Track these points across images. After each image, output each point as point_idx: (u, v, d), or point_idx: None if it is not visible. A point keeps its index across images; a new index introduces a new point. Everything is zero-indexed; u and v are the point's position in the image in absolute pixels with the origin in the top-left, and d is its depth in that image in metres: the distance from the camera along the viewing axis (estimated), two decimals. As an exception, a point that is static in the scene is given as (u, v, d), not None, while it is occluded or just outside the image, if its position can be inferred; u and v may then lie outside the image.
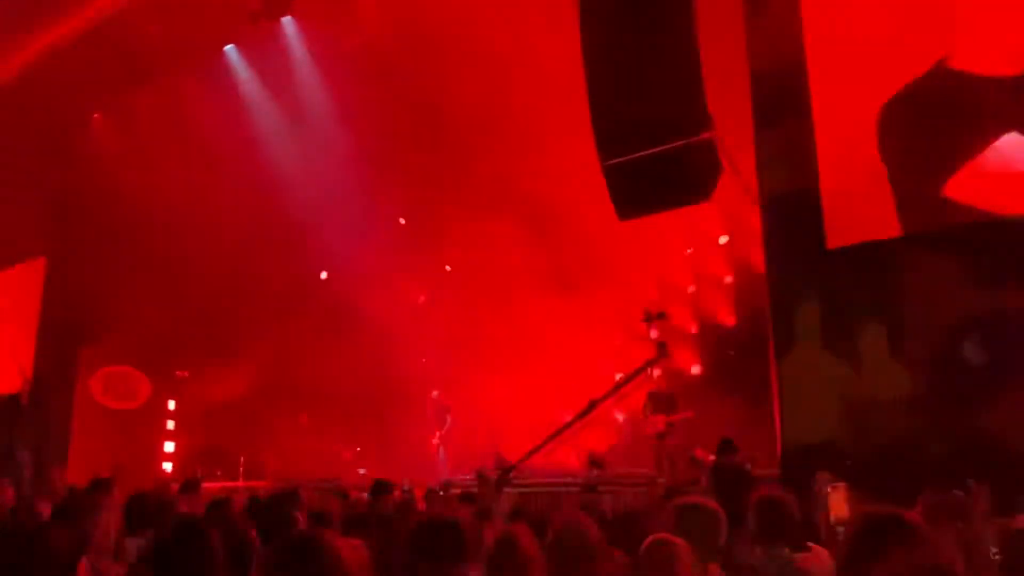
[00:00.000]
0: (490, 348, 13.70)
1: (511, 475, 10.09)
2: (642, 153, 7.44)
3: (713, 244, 12.53)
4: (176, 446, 16.24)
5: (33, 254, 15.89)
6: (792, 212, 7.84)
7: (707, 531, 3.47)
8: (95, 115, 15.35)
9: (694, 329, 12.68)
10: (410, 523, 4.49)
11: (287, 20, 13.49)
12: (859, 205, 7.41)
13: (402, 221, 15.61)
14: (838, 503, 5.91)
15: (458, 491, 8.66)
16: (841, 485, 6.06)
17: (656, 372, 11.02)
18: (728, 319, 12.34)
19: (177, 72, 13.71)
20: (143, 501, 4.79)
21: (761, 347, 8.30)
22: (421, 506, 7.58)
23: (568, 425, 10.79)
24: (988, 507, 4.12)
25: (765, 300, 8.13)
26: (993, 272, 6.72)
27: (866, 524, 2.28)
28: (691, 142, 7.32)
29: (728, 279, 12.43)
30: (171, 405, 16.38)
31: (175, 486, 9.06)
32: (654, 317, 11.30)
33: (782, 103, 7.96)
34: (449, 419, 13.28)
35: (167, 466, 15.95)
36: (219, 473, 14.37)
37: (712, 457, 8.28)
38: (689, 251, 12.86)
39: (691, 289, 12.64)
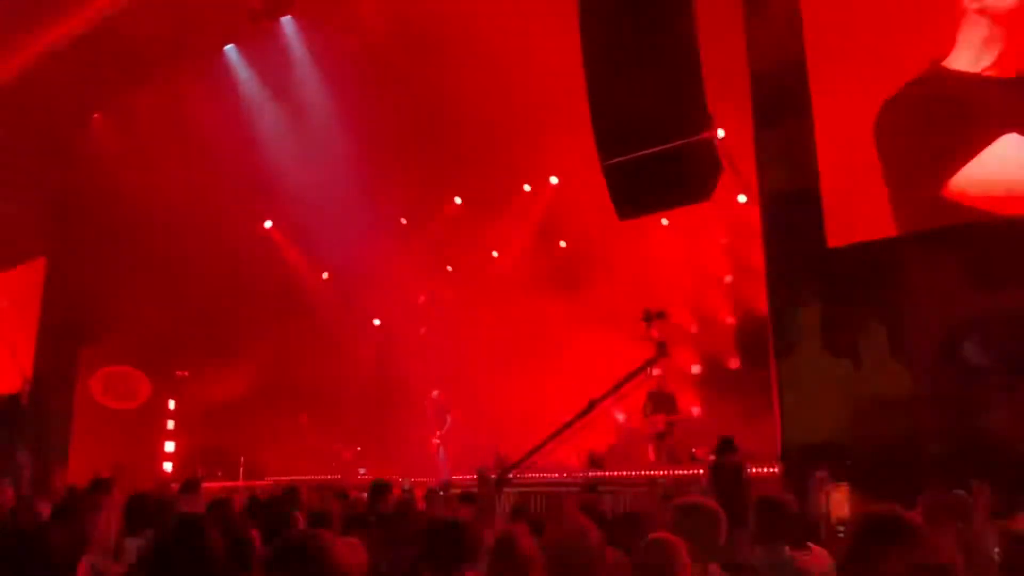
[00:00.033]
0: (490, 348, 13.71)
1: (511, 475, 10.09)
2: (642, 153, 7.43)
3: (713, 244, 12.53)
4: (176, 446, 16.25)
5: (33, 254, 15.89)
6: (792, 211, 7.85)
7: (707, 531, 3.47)
8: (95, 115, 15.35)
9: (694, 328, 12.69)
10: (413, 524, 4.50)
11: (287, 20, 13.48)
12: (859, 204, 7.42)
13: (403, 221, 15.62)
14: (839, 503, 5.92)
15: (458, 491, 8.66)
16: (843, 485, 6.07)
17: (656, 372, 11.01)
18: (728, 318, 12.36)
19: (177, 72, 13.70)
20: (143, 501, 4.79)
21: (761, 346, 8.31)
22: (421, 506, 7.59)
23: (568, 425, 10.78)
24: (989, 507, 4.12)
25: (765, 300, 8.13)
26: (993, 272, 6.71)
27: (866, 524, 2.28)
28: (691, 142, 7.32)
29: (728, 278, 12.43)
30: (171, 405, 16.39)
31: (175, 486, 9.07)
32: (654, 316, 11.30)
33: (782, 103, 7.97)
34: (449, 419, 13.28)
35: (167, 466, 15.96)
36: (219, 473, 14.38)
37: (712, 456, 8.29)
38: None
39: (691, 288, 12.64)
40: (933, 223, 7.16)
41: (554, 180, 14.37)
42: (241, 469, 14.34)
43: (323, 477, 12.67)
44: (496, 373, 12.88)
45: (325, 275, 16.27)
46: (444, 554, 2.97)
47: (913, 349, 7.00)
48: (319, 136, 13.66)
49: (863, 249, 7.38)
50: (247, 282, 14.61)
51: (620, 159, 7.54)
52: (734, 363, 12.25)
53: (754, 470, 8.19)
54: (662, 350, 11.04)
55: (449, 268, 15.86)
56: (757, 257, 8.19)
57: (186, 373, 16.11)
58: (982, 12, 7.09)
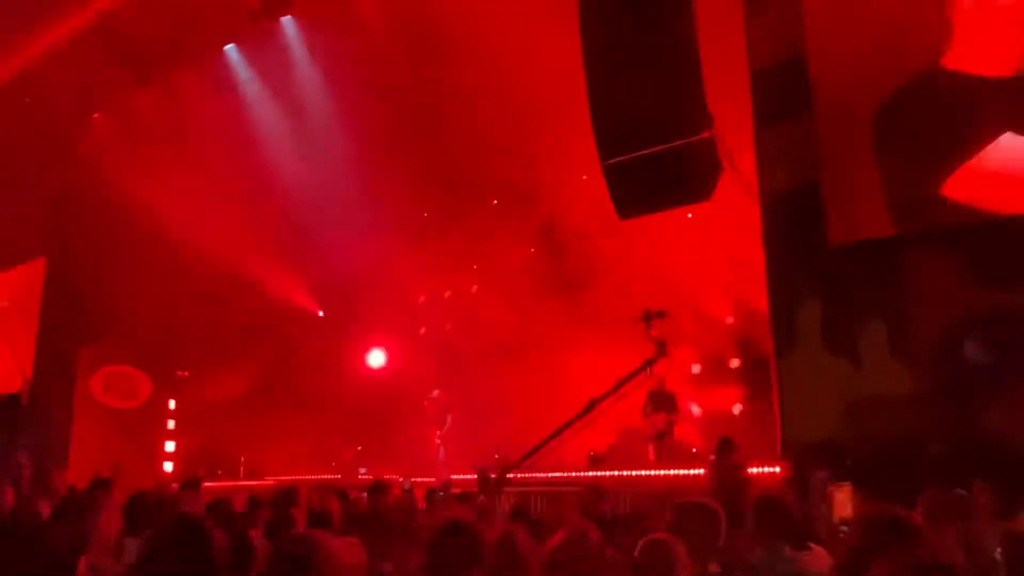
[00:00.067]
0: (490, 348, 13.71)
1: (511, 475, 10.08)
2: (642, 152, 7.43)
3: (713, 244, 12.52)
4: (177, 446, 16.25)
5: (33, 254, 15.89)
6: (792, 211, 7.83)
7: (707, 531, 3.47)
8: (95, 115, 15.34)
9: (694, 328, 12.67)
10: (413, 524, 4.49)
11: (287, 20, 13.48)
12: (859, 204, 7.41)
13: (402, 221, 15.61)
14: (842, 503, 5.91)
15: (458, 491, 8.66)
16: (846, 485, 6.06)
17: (656, 371, 11.00)
18: (728, 318, 12.35)
19: (177, 72, 13.70)
20: (143, 501, 4.79)
21: (761, 346, 8.31)
22: (421, 506, 7.59)
23: (568, 425, 10.77)
24: (991, 507, 4.11)
25: (765, 299, 8.13)
26: (995, 271, 6.71)
27: (866, 525, 2.28)
28: (691, 141, 7.32)
29: (728, 278, 12.41)
30: (172, 405, 16.39)
31: (175, 486, 9.07)
32: (653, 316, 11.29)
33: (783, 102, 7.96)
34: (449, 419, 13.28)
35: (168, 466, 15.96)
36: (220, 473, 14.38)
37: (712, 456, 8.28)
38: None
39: (691, 288, 12.63)
40: (933, 222, 7.15)
41: (554, 180, 14.35)
42: (241, 469, 14.35)
43: (323, 477, 12.66)
44: (496, 373, 12.88)
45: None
46: (450, 559, 2.97)
47: (913, 348, 7.00)
48: (319, 136, 13.67)
49: (863, 248, 7.37)
50: (247, 282, 14.61)
51: (620, 159, 7.54)
52: (734, 363, 12.25)
53: (754, 470, 8.19)
54: (662, 350, 11.03)
55: (449, 268, 15.84)
56: (757, 257, 8.18)
57: (186, 373, 16.12)
58: (981, 11, 7.09)
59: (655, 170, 7.42)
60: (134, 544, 4.22)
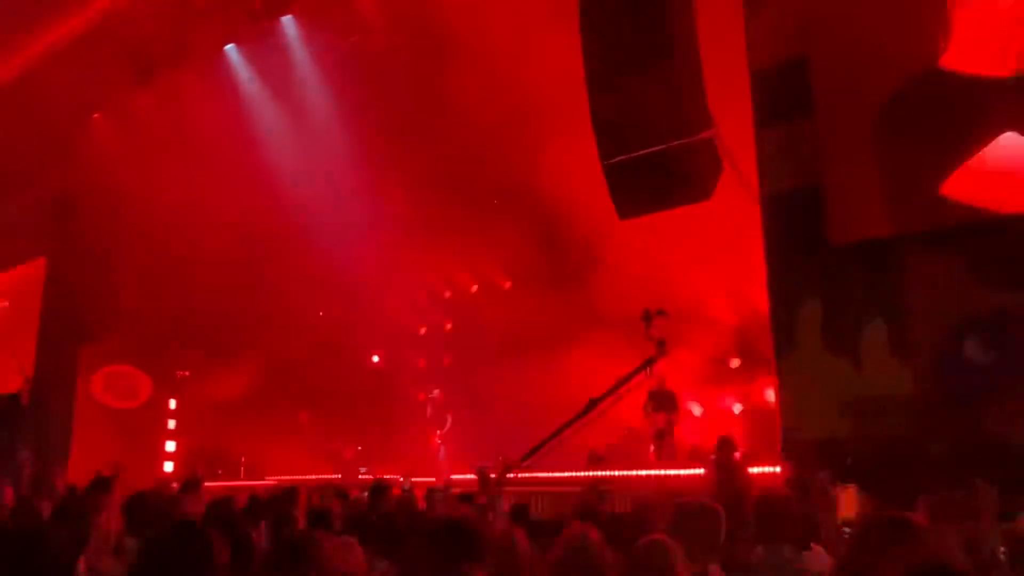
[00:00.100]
0: (490, 347, 13.71)
1: (511, 475, 10.08)
2: (642, 152, 7.43)
3: (713, 243, 12.52)
4: (177, 445, 16.26)
5: (33, 254, 15.89)
6: (793, 210, 7.83)
7: (707, 530, 3.47)
8: (95, 115, 15.35)
9: (694, 328, 12.67)
10: (421, 524, 4.49)
11: (287, 19, 13.48)
12: (860, 203, 7.41)
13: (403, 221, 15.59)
14: (847, 504, 5.91)
15: (458, 491, 8.66)
16: (851, 486, 6.06)
17: (656, 370, 11.00)
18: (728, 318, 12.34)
19: (177, 72, 13.70)
20: (143, 501, 4.79)
21: (762, 345, 8.30)
22: (421, 506, 7.59)
23: (568, 424, 10.76)
24: (995, 507, 4.11)
25: (765, 299, 8.12)
26: (995, 271, 6.71)
27: (867, 525, 2.28)
28: (691, 141, 7.32)
29: (728, 278, 12.40)
30: (172, 404, 16.39)
31: (175, 486, 9.07)
32: (653, 315, 11.28)
33: (783, 101, 7.95)
34: (449, 419, 13.28)
35: (168, 465, 15.96)
36: (220, 472, 14.39)
37: (712, 455, 8.29)
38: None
39: (691, 287, 12.63)
40: (934, 222, 7.15)
41: (554, 180, 14.34)
42: (242, 469, 14.35)
43: (323, 477, 12.66)
44: (496, 373, 12.88)
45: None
46: (448, 552, 2.97)
47: (914, 348, 6.99)
48: (319, 136, 13.67)
49: (864, 248, 7.36)
50: (247, 282, 14.61)
51: (620, 159, 7.54)
52: (735, 362, 12.25)
53: (754, 470, 8.19)
54: (662, 349, 11.02)
55: (449, 268, 15.85)
56: (757, 256, 8.18)
57: (187, 373, 16.12)
58: (981, 11, 7.09)
59: (655, 170, 7.42)
60: (134, 544, 4.22)
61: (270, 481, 12.95)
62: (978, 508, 4.01)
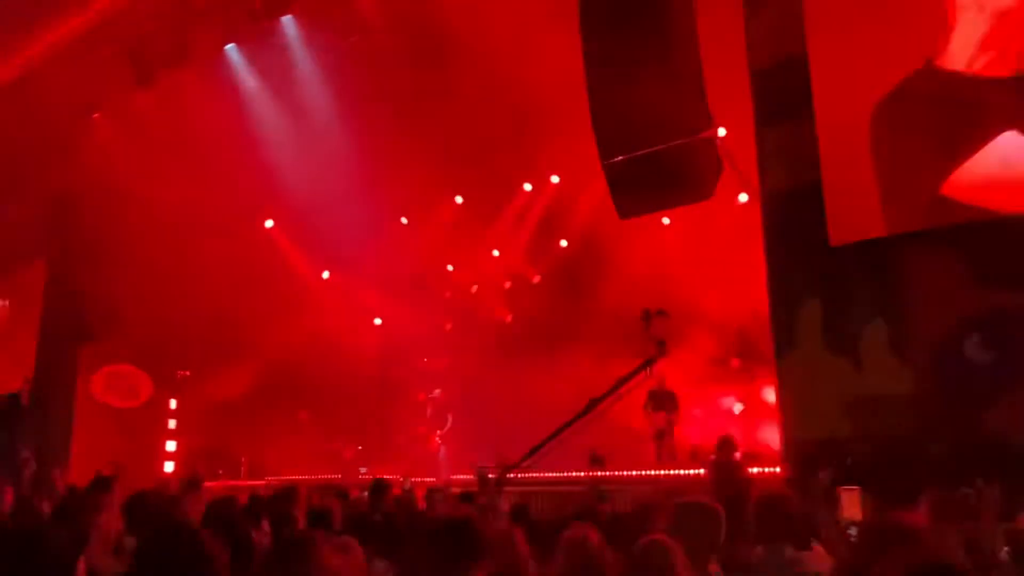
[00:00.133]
0: (490, 347, 13.71)
1: (511, 474, 10.08)
2: (643, 152, 7.44)
3: (714, 243, 12.52)
4: (178, 445, 16.24)
5: (33, 254, 15.88)
6: (793, 210, 7.84)
7: (707, 530, 3.47)
8: (95, 115, 15.34)
9: (694, 328, 12.67)
10: (421, 524, 4.49)
11: (287, 19, 13.47)
12: (860, 203, 7.41)
13: (403, 220, 15.61)
14: (850, 505, 5.90)
15: (458, 491, 8.65)
16: (851, 486, 6.05)
17: (656, 370, 11.00)
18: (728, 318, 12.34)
19: (177, 72, 13.69)
20: (143, 501, 4.79)
21: (762, 345, 8.30)
22: (421, 506, 7.59)
23: (568, 425, 10.77)
24: (996, 507, 4.11)
25: (765, 299, 8.13)
26: (995, 271, 6.71)
27: (868, 526, 2.28)
28: (691, 141, 7.33)
29: (728, 278, 12.40)
30: (173, 404, 16.39)
31: (176, 485, 9.06)
32: (653, 315, 11.29)
33: (783, 101, 7.95)
34: (449, 419, 13.28)
35: (169, 465, 15.95)
36: (221, 472, 14.38)
37: (713, 455, 8.29)
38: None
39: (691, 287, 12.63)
40: (933, 222, 7.15)
41: (554, 180, 14.36)
42: (243, 468, 14.34)
43: (324, 476, 12.66)
44: (496, 373, 12.87)
45: (326, 274, 16.27)
46: (448, 552, 2.97)
47: (913, 348, 7.00)
48: (319, 135, 13.67)
49: (864, 248, 7.37)
50: (247, 282, 14.61)
51: (621, 158, 7.55)
52: (735, 362, 12.24)
53: (755, 469, 8.19)
54: (662, 349, 11.03)
55: (449, 268, 15.85)
56: (758, 256, 8.18)
57: (187, 372, 16.11)
58: (980, 10, 7.09)
59: (656, 170, 7.43)
60: (134, 544, 4.22)
61: (270, 481, 12.96)
62: (979, 508, 4.01)
